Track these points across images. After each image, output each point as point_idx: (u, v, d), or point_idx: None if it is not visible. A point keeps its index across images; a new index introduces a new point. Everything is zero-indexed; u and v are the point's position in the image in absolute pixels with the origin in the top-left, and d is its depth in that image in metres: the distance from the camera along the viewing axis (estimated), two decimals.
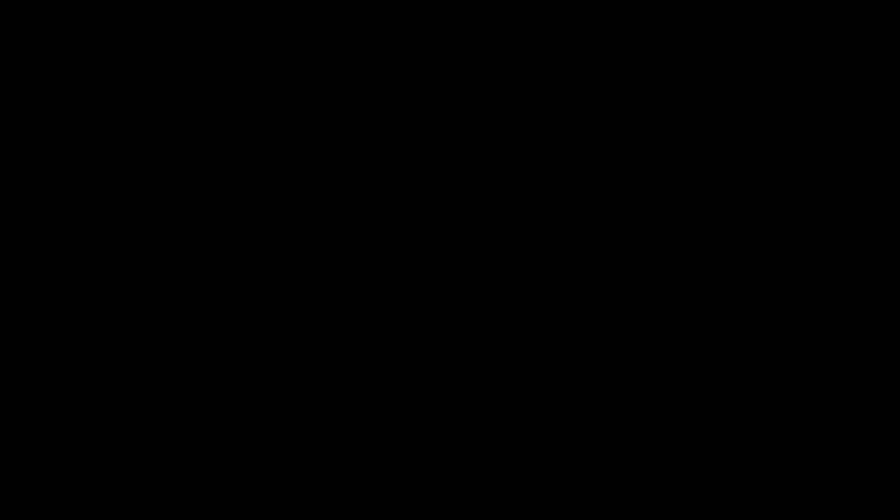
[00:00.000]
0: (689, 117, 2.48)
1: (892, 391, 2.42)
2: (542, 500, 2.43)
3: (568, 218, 2.48)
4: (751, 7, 2.48)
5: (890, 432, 2.41)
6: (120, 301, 2.46)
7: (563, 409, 2.45)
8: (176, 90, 2.49)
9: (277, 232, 2.48)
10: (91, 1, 2.48)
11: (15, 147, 2.48)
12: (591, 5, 2.49)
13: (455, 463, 2.44)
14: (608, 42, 2.49)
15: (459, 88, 2.50)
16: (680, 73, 2.49)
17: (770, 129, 2.48)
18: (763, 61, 2.48)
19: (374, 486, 2.44)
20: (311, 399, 2.45)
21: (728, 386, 2.44)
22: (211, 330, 2.46)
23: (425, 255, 2.47)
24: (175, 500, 2.42)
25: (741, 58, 2.48)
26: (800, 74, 2.48)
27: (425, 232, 2.48)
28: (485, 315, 2.47)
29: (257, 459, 2.44)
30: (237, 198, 2.48)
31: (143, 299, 2.46)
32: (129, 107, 2.49)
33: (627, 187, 2.48)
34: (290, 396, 2.45)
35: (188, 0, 2.49)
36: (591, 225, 2.47)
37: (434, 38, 2.50)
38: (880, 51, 2.47)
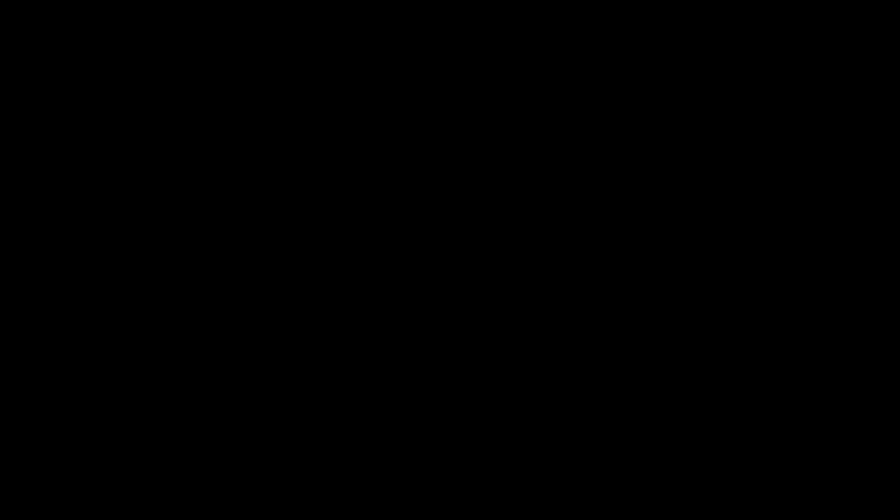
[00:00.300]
0: (689, 117, 2.48)
1: (892, 391, 2.42)
2: (542, 501, 2.43)
3: (568, 218, 2.48)
4: (751, 7, 2.48)
5: (890, 432, 2.41)
6: (120, 301, 2.46)
7: (564, 409, 2.45)
8: (176, 90, 2.49)
9: (277, 232, 2.48)
10: (91, 1, 2.48)
11: (15, 147, 2.48)
12: (591, 5, 2.49)
13: (455, 463, 2.44)
14: (608, 42, 2.49)
15: (459, 88, 2.50)
16: (680, 74, 2.49)
17: (770, 130, 2.48)
18: (763, 61, 2.48)
19: (374, 487, 2.44)
20: (312, 399, 2.45)
21: (728, 386, 2.44)
22: (211, 330, 2.46)
23: (425, 256, 2.48)
24: (175, 501, 2.42)
25: (741, 58, 2.48)
26: (800, 74, 2.48)
27: (425, 232, 2.48)
28: (485, 315, 2.47)
29: (257, 459, 2.44)
30: (237, 198, 2.48)
31: (143, 299, 2.46)
32: (129, 107, 2.49)
33: (627, 187, 2.48)
34: (290, 396, 2.45)
35: (188, 0, 2.49)
36: (592, 225, 2.47)
37: (434, 38, 2.50)
38: (880, 51, 2.47)
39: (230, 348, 2.46)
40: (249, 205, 2.48)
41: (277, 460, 2.44)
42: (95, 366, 2.45)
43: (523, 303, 2.47)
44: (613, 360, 2.45)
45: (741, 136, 2.48)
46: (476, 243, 2.48)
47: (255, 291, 2.47)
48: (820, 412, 2.43)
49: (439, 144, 2.49)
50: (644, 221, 2.47)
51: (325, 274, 2.47)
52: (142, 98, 2.49)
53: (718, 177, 2.47)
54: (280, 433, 2.44)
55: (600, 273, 2.47)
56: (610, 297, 2.46)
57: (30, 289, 2.46)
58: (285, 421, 2.45)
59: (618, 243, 2.47)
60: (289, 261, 2.47)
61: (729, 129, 2.48)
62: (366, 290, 2.47)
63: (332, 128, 2.50)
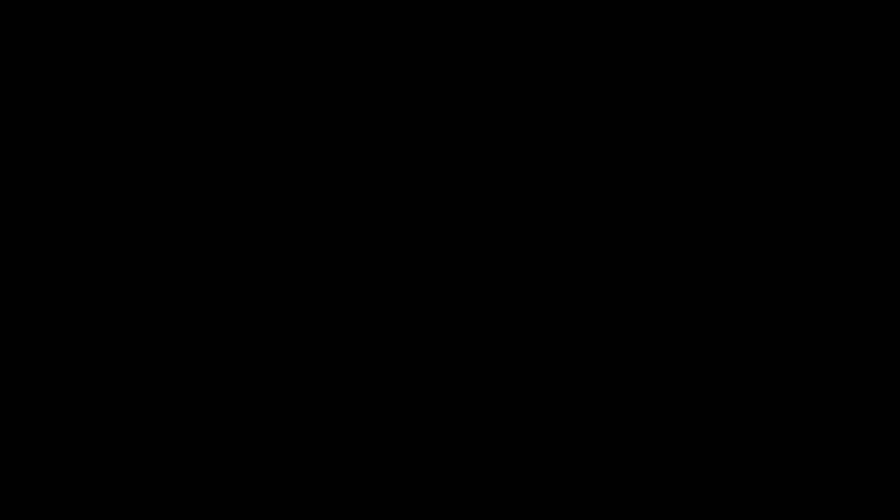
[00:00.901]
0: (689, 117, 2.48)
1: (892, 391, 2.42)
2: (542, 501, 2.43)
3: (568, 218, 2.48)
4: (751, 7, 2.48)
5: (890, 432, 2.41)
6: (120, 301, 2.46)
7: (564, 409, 2.45)
8: (176, 90, 2.49)
9: (277, 232, 2.48)
10: (91, 1, 2.49)
11: (15, 147, 2.48)
12: (591, 5, 2.49)
13: (455, 463, 2.44)
14: (608, 42, 2.49)
15: (459, 88, 2.50)
16: (680, 74, 2.49)
17: (770, 130, 2.48)
18: (763, 61, 2.48)
19: (374, 487, 2.44)
20: (312, 399, 2.46)
21: (728, 386, 2.44)
22: (211, 330, 2.46)
23: (425, 256, 2.48)
24: (175, 501, 2.42)
25: (741, 58, 2.48)
26: (800, 74, 2.48)
27: (425, 232, 2.48)
28: (485, 315, 2.47)
29: (257, 459, 2.44)
30: (237, 198, 2.49)
31: (143, 299, 2.46)
32: (129, 107, 2.49)
33: (627, 187, 2.48)
34: (290, 396, 2.45)
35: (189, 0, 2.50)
36: (592, 225, 2.48)
37: (434, 38, 2.50)
38: (880, 51, 2.47)
39: (230, 348, 2.46)
40: (249, 205, 2.48)
41: (277, 460, 2.44)
42: (95, 366, 2.45)
43: (523, 302, 2.47)
44: (613, 360, 2.46)
45: (741, 136, 2.48)
46: (475, 243, 2.48)
47: (255, 291, 2.47)
48: (820, 412, 2.43)
49: (439, 145, 2.50)
50: (644, 221, 2.47)
51: (325, 274, 2.48)
52: (142, 98, 2.49)
53: (718, 177, 2.48)
54: (280, 433, 2.45)
55: (600, 273, 2.47)
56: (610, 296, 2.47)
57: (30, 289, 2.46)
58: (285, 421, 2.45)
59: (617, 243, 2.47)
60: (288, 261, 2.48)
61: (729, 130, 2.48)
62: (365, 290, 2.47)
63: (332, 128, 2.50)
